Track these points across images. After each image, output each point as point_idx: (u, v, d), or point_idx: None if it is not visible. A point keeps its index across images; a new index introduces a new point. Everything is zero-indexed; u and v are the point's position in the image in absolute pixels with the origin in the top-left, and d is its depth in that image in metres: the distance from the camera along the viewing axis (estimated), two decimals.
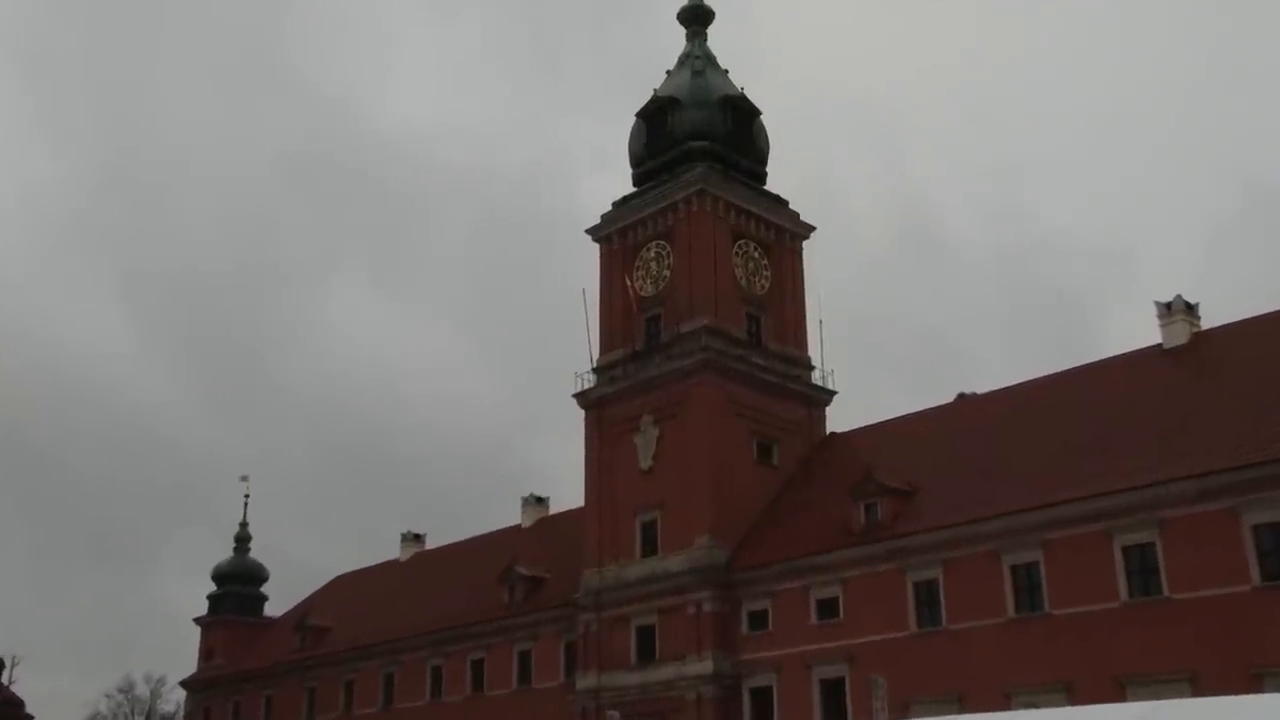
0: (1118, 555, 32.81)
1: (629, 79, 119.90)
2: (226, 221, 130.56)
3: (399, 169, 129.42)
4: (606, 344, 50.23)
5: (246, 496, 76.01)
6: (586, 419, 49.53)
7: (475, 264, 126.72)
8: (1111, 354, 41.25)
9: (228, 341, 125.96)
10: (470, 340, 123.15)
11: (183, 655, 78.06)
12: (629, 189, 52.91)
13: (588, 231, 52.40)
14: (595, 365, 50.09)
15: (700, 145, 50.55)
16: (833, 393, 49.66)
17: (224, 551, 76.68)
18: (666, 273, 49.08)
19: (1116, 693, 30.58)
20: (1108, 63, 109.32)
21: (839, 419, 51.17)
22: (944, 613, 36.44)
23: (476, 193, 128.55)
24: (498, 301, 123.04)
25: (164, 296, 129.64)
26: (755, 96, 53.18)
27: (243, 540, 75.92)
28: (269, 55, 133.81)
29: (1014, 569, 35.09)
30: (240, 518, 76.30)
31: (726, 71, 54.13)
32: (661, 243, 49.68)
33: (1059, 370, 42.98)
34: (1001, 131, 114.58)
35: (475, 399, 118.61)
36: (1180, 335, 38.94)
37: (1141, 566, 32.37)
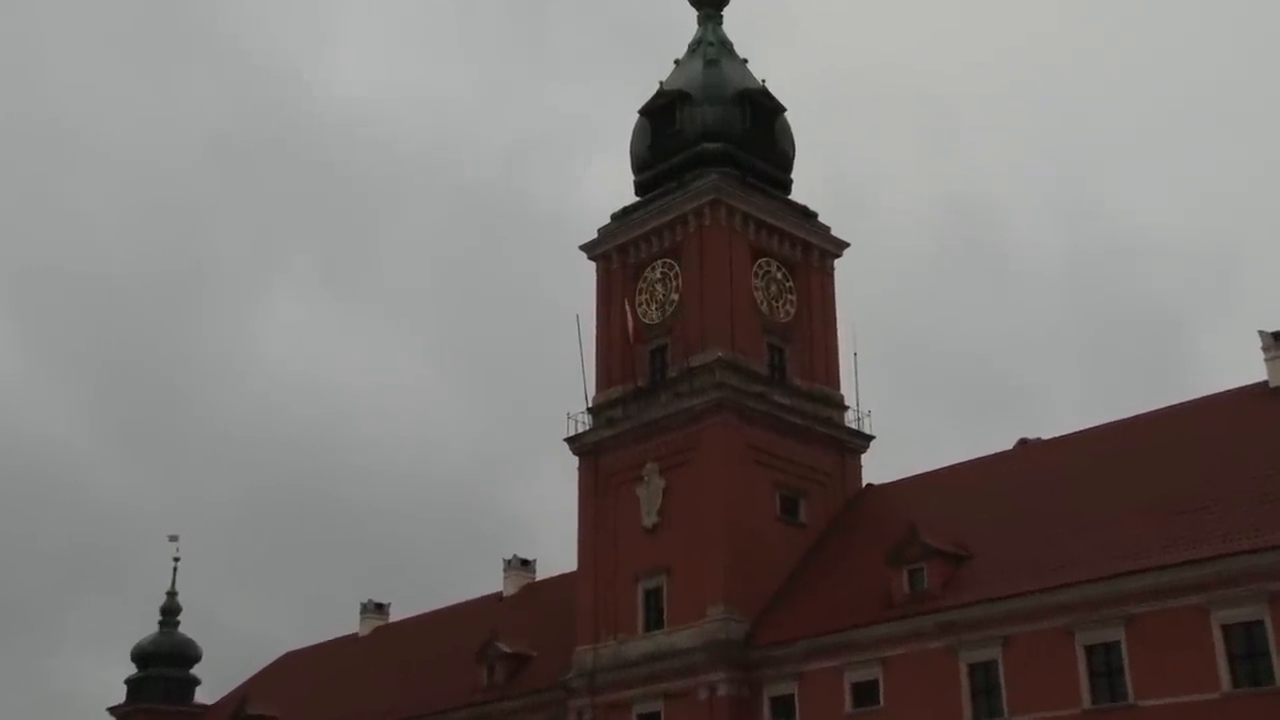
0: (1216, 635, 32.48)
1: (629, 45, 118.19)
2: (140, 214, 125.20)
3: (352, 154, 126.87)
4: (604, 379, 50.18)
5: (176, 560, 74.59)
6: (580, 467, 49.34)
7: (447, 272, 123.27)
8: (1210, 385, 41.34)
9: (144, 364, 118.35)
10: (441, 367, 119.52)
11: None
12: (630, 185, 53.38)
13: (583, 248, 52.68)
14: (591, 404, 50.01)
15: (714, 148, 50.62)
16: (870, 437, 49.70)
17: (146, 626, 75.25)
18: (674, 296, 49.11)
19: None
20: (1206, 34, 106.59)
21: (877, 468, 50.63)
22: (1004, 702, 36.05)
23: (447, 184, 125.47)
24: (475, 320, 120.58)
25: (61, 306, 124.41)
26: (779, 90, 53.21)
27: (170, 612, 74.66)
28: (187, 14, 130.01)
29: (1090, 649, 34.70)
30: (168, 585, 75.05)
31: (745, 61, 54.27)
32: (668, 261, 49.76)
33: (1143, 411, 42.82)
34: (1074, 115, 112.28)
35: (448, 440, 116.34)
36: None
37: (1248, 649, 32.12)
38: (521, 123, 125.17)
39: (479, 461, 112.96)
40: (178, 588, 75.11)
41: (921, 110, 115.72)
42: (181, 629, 74.81)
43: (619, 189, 53.31)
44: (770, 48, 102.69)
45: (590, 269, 52.29)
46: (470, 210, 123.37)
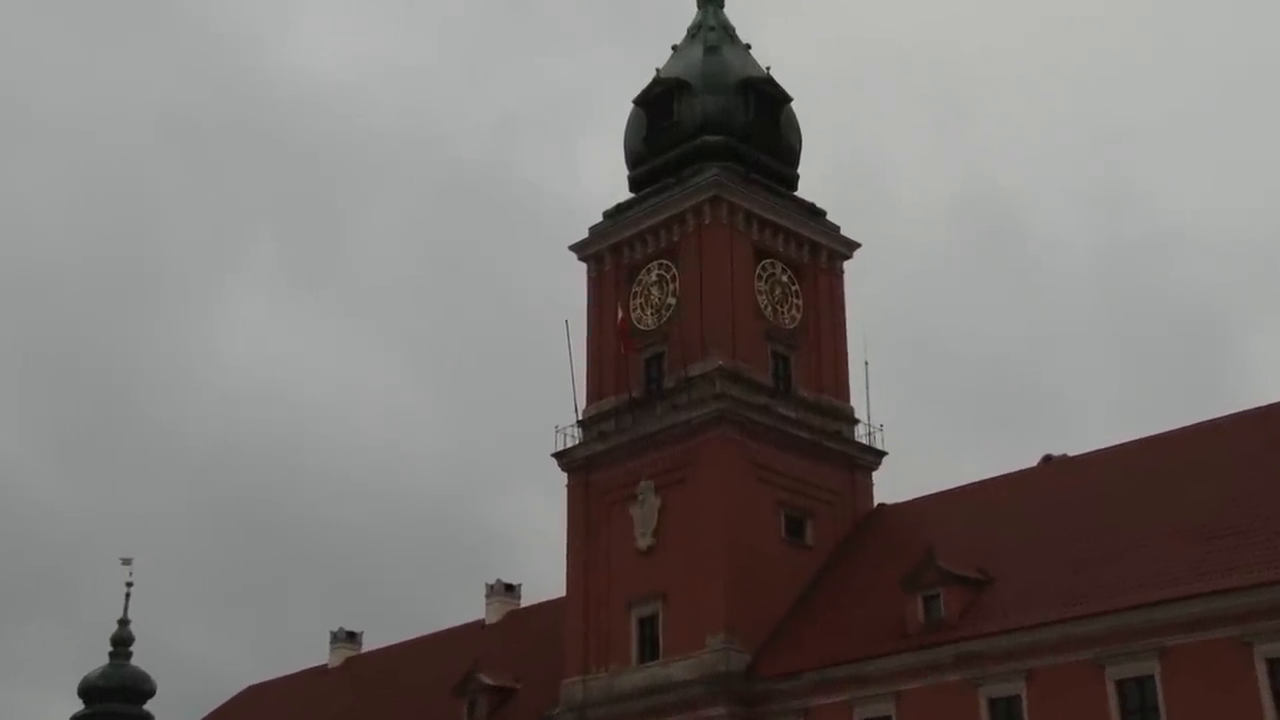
0: (1260, 670, 32.19)
1: (628, 14, 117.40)
2: (83, 195, 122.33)
3: (319, 133, 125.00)
4: (596, 389, 50.08)
5: (129, 585, 73.41)
6: (569, 484, 49.40)
7: (423, 266, 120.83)
8: (1257, 392, 41.36)
9: (86, 365, 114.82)
10: (417, 371, 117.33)
11: None
12: (624, 179, 53.23)
13: (573, 248, 52.68)
14: (581, 416, 49.90)
15: (714, 141, 50.53)
16: (882, 453, 49.68)
17: (94, 657, 73.66)
18: (671, 300, 49.06)
19: None
20: (1253, 7, 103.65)
21: (890, 486, 50.51)
22: None
23: (425, 168, 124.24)
24: (454, 319, 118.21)
25: None
26: (785, 78, 53.16)
27: (121, 643, 73.12)
28: None
29: (1121, 684, 34.53)
30: (119, 612, 73.52)
31: (748, 47, 54.15)
32: (665, 263, 49.73)
33: (1179, 426, 42.62)
34: (1105, 94, 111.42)
35: (424, 452, 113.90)
36: None
37: None
38: (508, 100, 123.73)
39: (459, 476, 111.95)
40: (130, 615, 73.75)
41: (938, 94, 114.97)
42: (134, 660, 73.41)
43: (614, 178, 53.25)
44: (774, 31, 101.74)
45: (580, 270, 52.32)
46: (450, 198, 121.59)
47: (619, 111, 56.09)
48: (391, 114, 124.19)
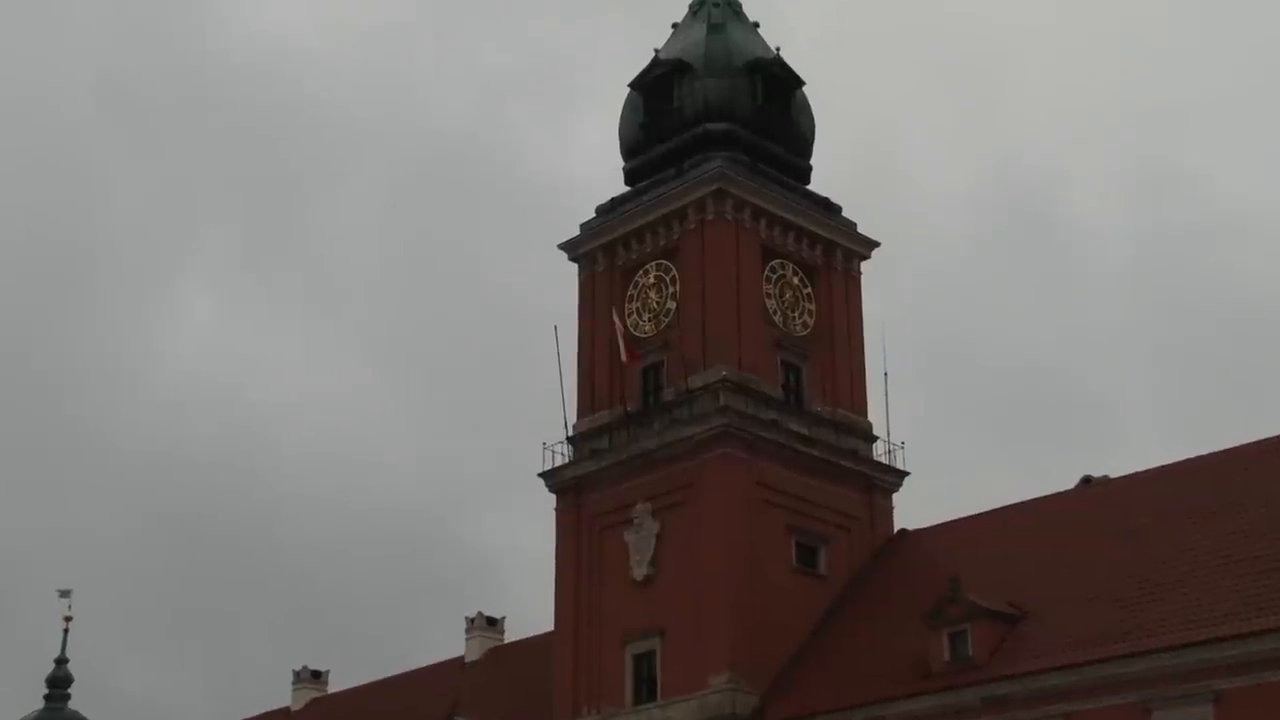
0: None
1: None
2: (9, 172, 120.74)
3: (279, 103, 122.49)
4: (588, 402, 50.09)
5: (68, 620, 72.86)
6: (559, 507, 49.45)
7: (396, 256, 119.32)
8: None
9: (14, 365, 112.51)
10: (388, 375, 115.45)
11: None
12: (620, 179, 53.24)
13: (562, 247, 52.71)
14: (571, 432, 49.87)
15: (718, 128, 50.59)
16: (904, 473, 49.84)
17: (28, 701, 72.92)
18: (671, 305, 49.13)
19: None
20: None
21: (912, 510, 50.57)
22: None
23: (399, 145, 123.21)
24: (430, 317, 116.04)
25: None
26: (796, 59, 53.16)
27: (59, 684, 72.44)
28: None
29: None
30: (57, 651, 72.64)
31: (756, 25, 54.20)
32: (664, 263, 49.82)
33: (1237, 444, 42.45)
34: (1149, 67, 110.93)
35: (397, 469, 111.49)
36: None
37: None
38: (495, 68, 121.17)
39: (436, 495, 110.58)
40: (69, 653, 72.57)
41: (964, 73, 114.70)
42: (73, 704, 72.58)
43: (610, 162, 52.72)
44: (784, 7, 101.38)
45: (571, 271, 52.35)
46: (428, 182, 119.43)
47: (617, 86, 55.84)
48: (360, 82, 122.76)
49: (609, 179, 55.00)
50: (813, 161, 53.02)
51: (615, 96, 56.36)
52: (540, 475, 49.58)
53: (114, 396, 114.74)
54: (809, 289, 50.19)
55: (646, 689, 45.22)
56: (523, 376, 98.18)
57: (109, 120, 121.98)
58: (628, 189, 52.40)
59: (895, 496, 49.39)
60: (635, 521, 46.51)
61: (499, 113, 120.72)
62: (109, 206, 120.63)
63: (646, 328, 49.38)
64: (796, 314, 49.62)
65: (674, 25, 54.10)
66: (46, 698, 71.56)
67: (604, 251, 51.08)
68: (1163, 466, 43.80)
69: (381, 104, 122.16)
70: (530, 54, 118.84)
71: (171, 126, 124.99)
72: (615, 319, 48.86)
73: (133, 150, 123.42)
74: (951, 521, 47.75)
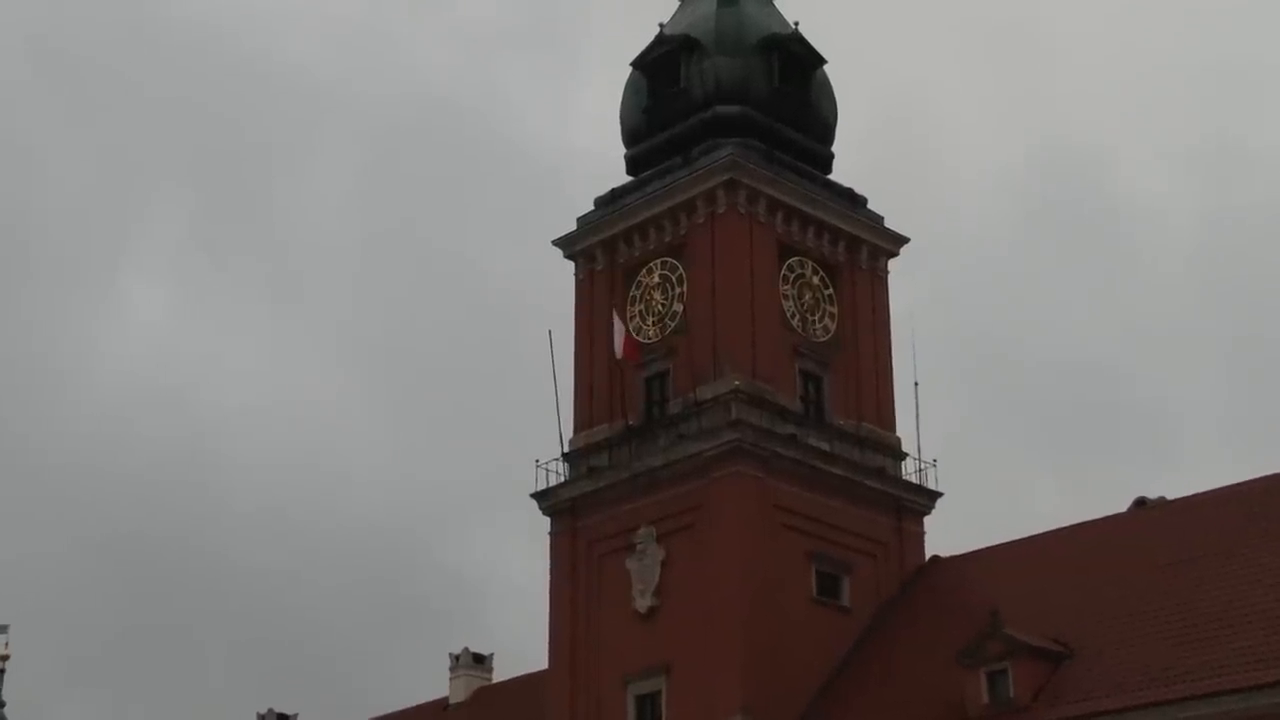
0: None
1: None
2: None
3: (234, 66, 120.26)
4: (585, 415, 50.29)
5: (4, 659, 72.71)
6: (554, 531, 49.64)
7: (369, 242, 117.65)
8: None
9: None
10: (360, 378, 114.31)
11: None
12: (621, 160, 53.49)
13: (557, 243, 52.90)
14: (567, 448, 50.01)
15: (730, 112, 50.66)
16: (936, 494, 50.01)
17: None
18: (678, 307, 49.24)
19: None
20: None
21: (945, 535, 50.72)
22: None
23: (372, 113, 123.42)
24: (407, 315, 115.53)
25: None
26: (816, 35, 53.11)
27: None
28: None
29: None
30: None
31: None
32: (669, 261, 49.97)
33: None
34: (1211, 34, 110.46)
35: (371, 485, 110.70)
36: None
37: None
38: (480, 21, 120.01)
39: (416, 516, 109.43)
40: (5, 696, 71.28)
41: (1003, 41, 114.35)
42: None
43: (611, 143, 52.79)
44: None
45: (567, 269, 52.52)
46: (405, 152, 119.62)
47: (621, 57, 55.57)
48: (330, 40, 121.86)
49: (605, 156, 55.18)
50: (835, 148, 53.28)
51: (615, 68, 56.23)
52: (533, 496, 49.69)
53: (48, 402, 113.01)
54: (830, 290, 50.31)
55: None
56: (514, 383, 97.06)
57: (43, 86, 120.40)
58: (630, 179, 52.56)
59: (926, 520, 49.56)
60: (638, 547, 46.56)
61: (487, 74, 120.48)
62: (42, 183, 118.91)
63: (650, 332, 49.51)
64: (816, 317, 49.69)
65: None
66: None
67: (603, 248, 51.20)
68: (1227, 487, 43.63)
69: (352, 63, 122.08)
70: (522, 7, 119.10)
71: (113, 92, 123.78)
72: (616, 321, 48.88)
73: (69, 118, 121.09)
74: (989, 548, 47.76)
